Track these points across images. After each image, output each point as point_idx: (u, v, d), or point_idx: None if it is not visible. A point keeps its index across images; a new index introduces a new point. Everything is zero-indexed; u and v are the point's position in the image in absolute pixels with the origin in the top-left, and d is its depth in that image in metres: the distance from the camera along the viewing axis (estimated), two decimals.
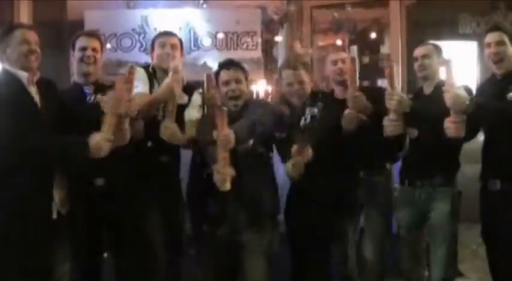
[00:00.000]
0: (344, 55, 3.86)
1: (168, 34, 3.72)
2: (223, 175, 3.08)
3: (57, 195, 3.08)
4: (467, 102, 3.12)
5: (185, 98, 3.51)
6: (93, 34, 3.65)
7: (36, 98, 3.03)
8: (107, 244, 3.52)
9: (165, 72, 3.49)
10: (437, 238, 3.55)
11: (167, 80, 3.37)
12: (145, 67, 3.61)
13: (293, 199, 3.61)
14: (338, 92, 3.79)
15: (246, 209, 3.30)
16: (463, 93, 3.14)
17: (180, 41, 3.73)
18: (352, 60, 3.56)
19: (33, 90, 3.04)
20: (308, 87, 3.58)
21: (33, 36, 3.09)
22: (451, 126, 3.16)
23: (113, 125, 2.95)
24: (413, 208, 3.62)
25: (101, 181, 3.35)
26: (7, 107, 2.92)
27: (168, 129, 3.27)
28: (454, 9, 5.95)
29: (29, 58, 3.03)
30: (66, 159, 3.01)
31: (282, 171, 3.57)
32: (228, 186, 3.09)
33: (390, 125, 3.32)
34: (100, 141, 2.89)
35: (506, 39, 3.42)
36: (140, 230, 3.47)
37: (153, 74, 3.56)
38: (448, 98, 3.13)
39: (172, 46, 3.60)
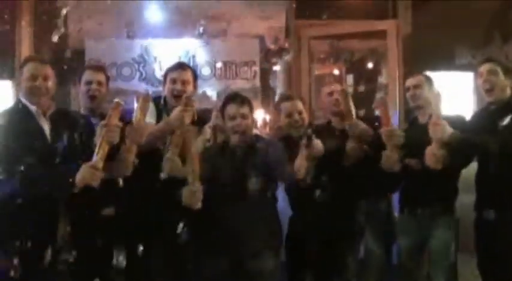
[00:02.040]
0: (339, 86, 3.92)
1: (180, 68, 3.64)
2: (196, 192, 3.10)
3: (62, 228, 3.04)
4: (450, 134, 3.19)
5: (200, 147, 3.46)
6: (99, 68, 3.68)
7: (47, 130, 3.04)
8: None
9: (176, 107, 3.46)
10: (438, 267, 3.57)
11: (178, 110, 3.30)
12: (156, 98, 3.60)
13: (294, 229, 3.64)
14: (335, 122, 3.84)
15: (250, 241, 3.32)
16: (447, 126, 3.23)
17: (194, 73, 3.67)
18: (343, 92, 3.61)
19: (44, 123, 3.05)
20: (306, 118, 3.65)
21: (41, 70, 3.09)
22: (429, 157, 3.21)
23: (104, 155, 2.92)
24: (413, 236, 3.63)
25: (111, 210, 3.37)
26: (13, 137, 2.94)
27: (170, 161, 3.21)
28: (451, 40, 6.01)
29: (35, 94, 3.05)
30: (54, 191, 2.95)
31: (283, 201, 3.62)
32: (200, 205, 3.11)
33: (389, 160, 3.38)
34: (87, 170, 2.85)
35: (499, 70, 3.49)
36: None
37: (164, 106, 3.56)
38: (432, 128, 3.22)
39: (184, 82, 3.55)
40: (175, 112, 3.31)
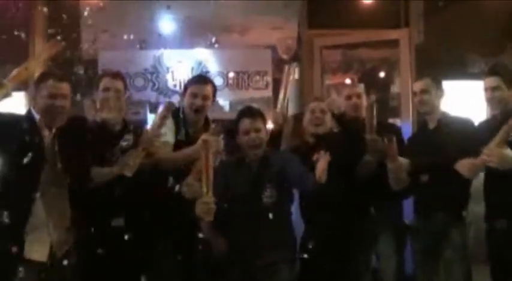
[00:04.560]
0: (359, 90, 3.92)
1: (201, 83, 3.63)
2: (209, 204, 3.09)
3: (55, 235, 3.07)
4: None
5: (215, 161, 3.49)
6: (118, 75, 3.61)
7: (48, 141, 3.09)
8: None
9: (195, 121, 3.53)
10: (454, 273, 3.56)
11: (204, 138, 3.27)
12: (175, 110, 3.60)
13: (307, 239, 3.64)
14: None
15: (265, 253, 3.36)
16: (508, 152, 3.23)
17: (214, 86, 3.66)
18: (371, 105, 3.61)
19: (46, 135, 3.11)
20: (328, 119, 3.73)
21: (60, 89, 3.12)
22: (465, 167, 3.20)
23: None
24: (428, 238, 3.65)
25: (120, 221, 3.36)
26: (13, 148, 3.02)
27: (189, 186, 3.23)
28: (463, 49, 6.00)
29: (52, 114, 3.09)
30: None
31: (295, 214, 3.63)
32: (212, 217, 3.11)
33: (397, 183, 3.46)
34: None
35: (502, 84, 3.47)
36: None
37: (183, 119, 3.56)
38: (493, 159, 3.22)
39: (204, 97, 3.55)
40: (202, 140, 3.28)
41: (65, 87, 3.16)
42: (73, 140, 3.17)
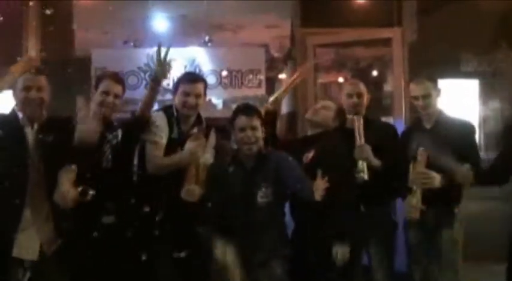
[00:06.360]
0: (361, 89, 3.91)
1: (193, 81, 3.62)
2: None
3: (43, 234, 3.09)
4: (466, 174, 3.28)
5: (209, 158, 3.52)
6: (118, 79, 3.57)
7: (32, 139, 3.12)
8: None
9: (187, 117, 3.54)
10: (446, 269, 3.59)
11: (190, 146, 3.34)
12: (168, 108, 3.61)
13: (297, 238, 3.65)
14: (348, 122, 3.86)
15: (258, 250, 3.36)
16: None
17: (205, 84, 3.67)
18: (358, 119, 3.69)
19: (29, 132, 3.13)
20: (328, 115, 3.84)
21: (35, 82, 3.16)
22: None
23: None
24: (423, 231, 3.65)
25: (111, 218, 3.35)
26: None
27: (190, 191, 3.25)
28: (456, 47, 6.02)
29: (28, 105, 3.13)
30: None
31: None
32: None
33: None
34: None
35: None
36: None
37: (176, 116, 3.56)
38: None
39: (197, 95, 3.54)
40: (188, 149, 3.35)
41: (40, 79, 3.18)
42: (56, 143, 3.15)
